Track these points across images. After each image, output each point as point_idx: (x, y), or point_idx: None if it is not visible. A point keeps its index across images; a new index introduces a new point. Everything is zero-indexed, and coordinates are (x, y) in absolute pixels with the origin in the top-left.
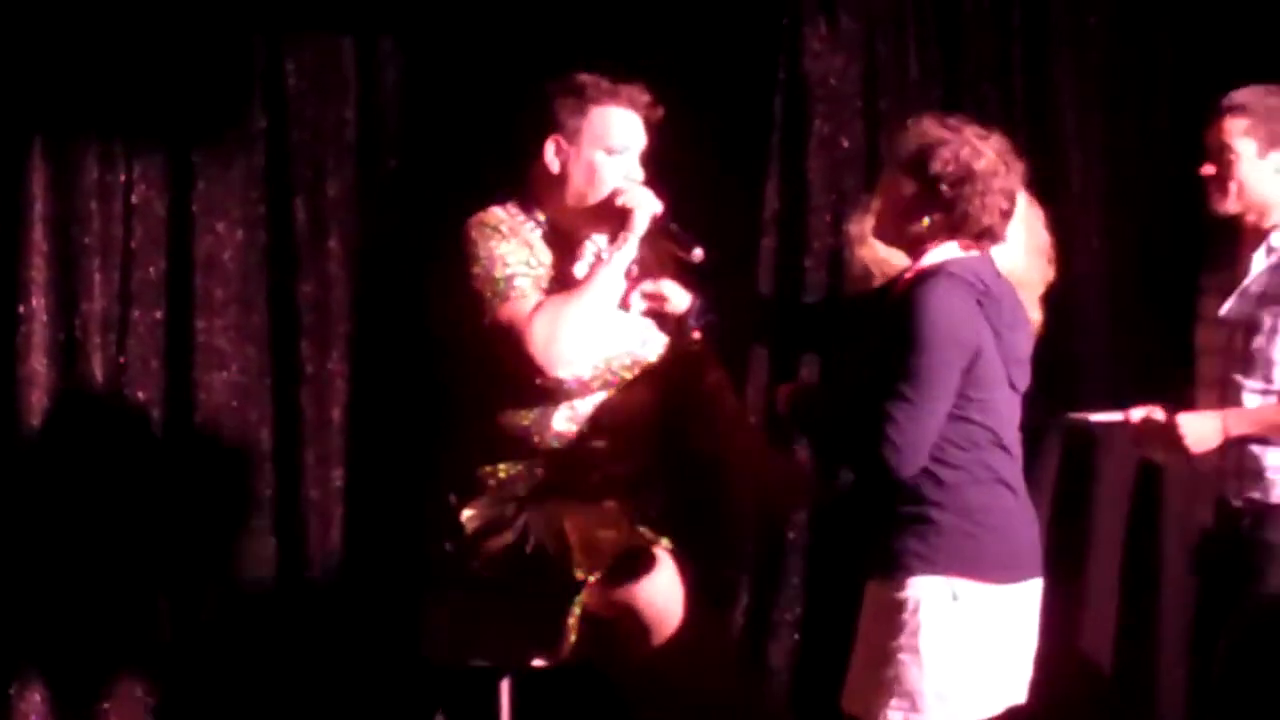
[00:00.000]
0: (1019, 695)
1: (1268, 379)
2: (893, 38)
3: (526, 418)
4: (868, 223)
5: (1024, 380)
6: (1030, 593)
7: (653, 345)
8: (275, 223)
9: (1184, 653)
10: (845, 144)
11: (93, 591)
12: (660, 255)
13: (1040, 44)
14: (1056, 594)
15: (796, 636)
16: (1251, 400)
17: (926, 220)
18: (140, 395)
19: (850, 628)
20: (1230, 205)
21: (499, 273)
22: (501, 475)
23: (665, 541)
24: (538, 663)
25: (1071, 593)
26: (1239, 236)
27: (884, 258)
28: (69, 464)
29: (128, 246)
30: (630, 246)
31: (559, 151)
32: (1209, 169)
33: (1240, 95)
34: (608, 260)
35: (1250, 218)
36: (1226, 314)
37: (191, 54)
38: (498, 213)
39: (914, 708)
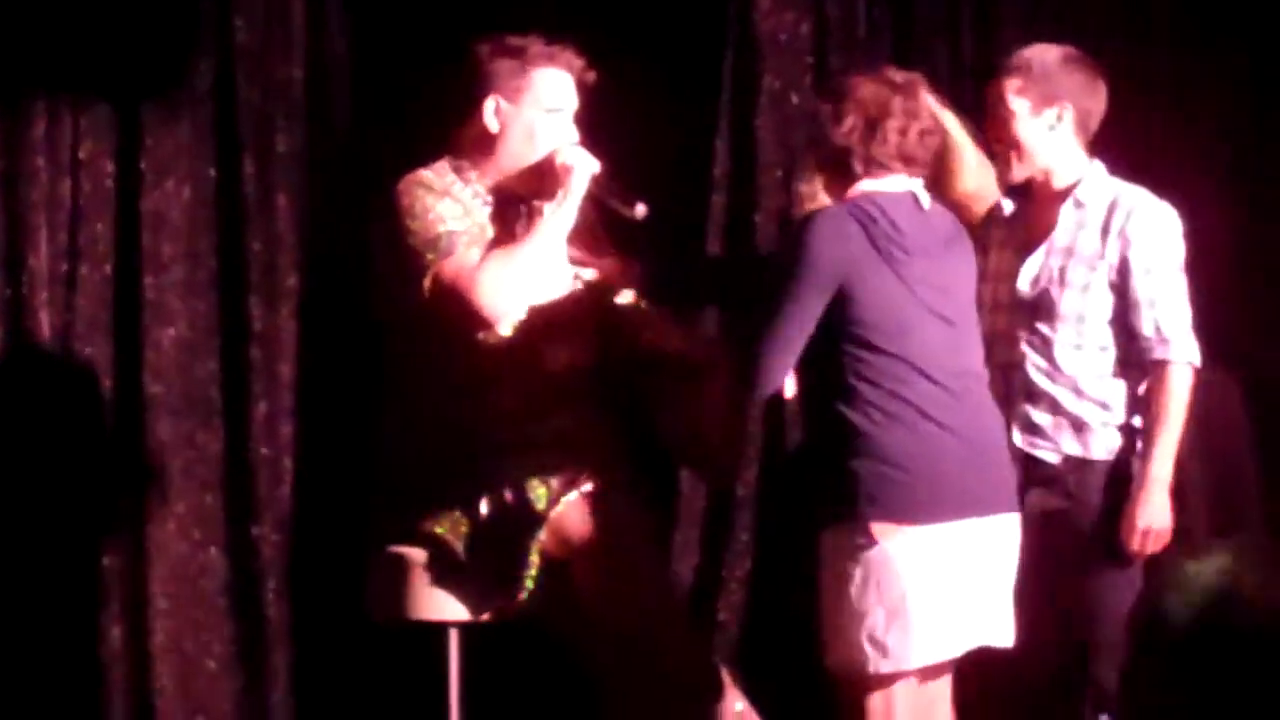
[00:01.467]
0: (997, 638)
1: (1079, 333)
2: None
3: (468, 376)
4: (817, 181)
5: (956, 310)
6: (986, 530)
7: (578, 301)
8: (224, 179)
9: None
10: (795, 101)
11: (38, 548)
12: (599, 215)
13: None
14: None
15: (745, 593)
16: (1065, 354)
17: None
18: (88, 351)
19: (798, 583)
20: (1014, 170)
21: (438, 229)
22: (453, 428)
23: (613, 480)
24: (488, 615)
25: None
26: (1028, 193)
27: None
28: (16, 421)
29: (75, 203)
30: (571, 205)
31: (498, 112)
32: (990, 130)
33: (1019, 55)
34: (548, 217)
35: (1038, 177)
36: (1036, 270)
37: (139, 9)
38: (426, 174)
39: (859, 658)
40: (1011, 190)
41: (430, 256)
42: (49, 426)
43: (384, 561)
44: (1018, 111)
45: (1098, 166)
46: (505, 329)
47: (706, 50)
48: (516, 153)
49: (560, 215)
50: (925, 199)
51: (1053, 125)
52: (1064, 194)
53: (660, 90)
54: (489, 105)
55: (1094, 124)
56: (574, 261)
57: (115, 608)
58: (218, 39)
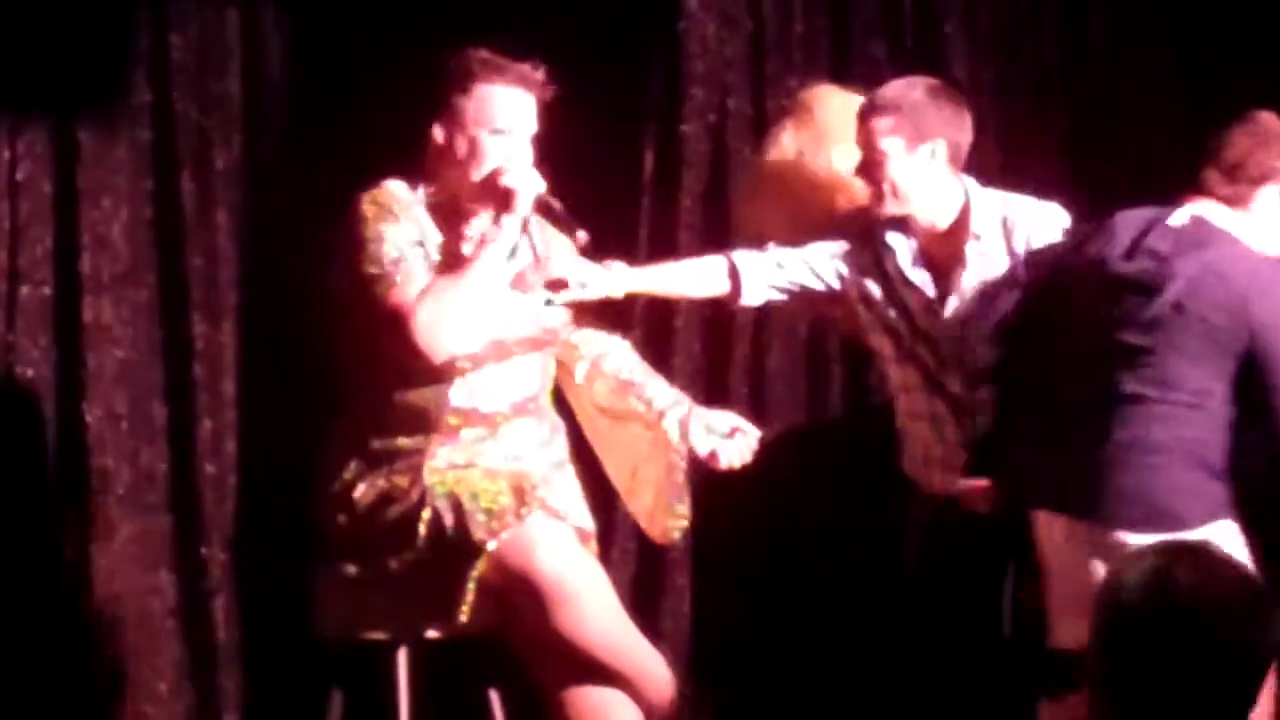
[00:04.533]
0: None
1: None
2: None
3: (423, 396)
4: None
5: None
6: None
7: (550, 322)
8: (162, 197)
9: None
10: (730, 105)
11: None
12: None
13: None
14: None
15: (689, 602)
16: None
17: None
18: (29, 373)
19: (738, 591)
20: (889, 207)
21: (386, 256)
22: (398, 448)
23: (560, 509)
24: (433, 633)
25: None
26: (910, 231)
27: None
28: None
29: (14, 224)
30: (512, 227)
31: (444, 128)
32: (862, 171)
33: (884, 93)
34: (490, 241)
35: (922, 220)
36: (951, 314)
37: (74, 28)
38: (391, 189)
39: None
40: (893, 223)
41: (378, 282)
42: None
43: (326, 579)
44: (890, 152)
45: (971, 184)
46: (444, 357)
47: (634, 52)
48: (462, 171)
49: (500, 239)
50: None
51: (927, 162)
52: (956, 230)
53: (589, 97)
54: (437, 122)
55: (964, 154)
56: (549, 285)
57: (62, 631)
58: (153, 56)
